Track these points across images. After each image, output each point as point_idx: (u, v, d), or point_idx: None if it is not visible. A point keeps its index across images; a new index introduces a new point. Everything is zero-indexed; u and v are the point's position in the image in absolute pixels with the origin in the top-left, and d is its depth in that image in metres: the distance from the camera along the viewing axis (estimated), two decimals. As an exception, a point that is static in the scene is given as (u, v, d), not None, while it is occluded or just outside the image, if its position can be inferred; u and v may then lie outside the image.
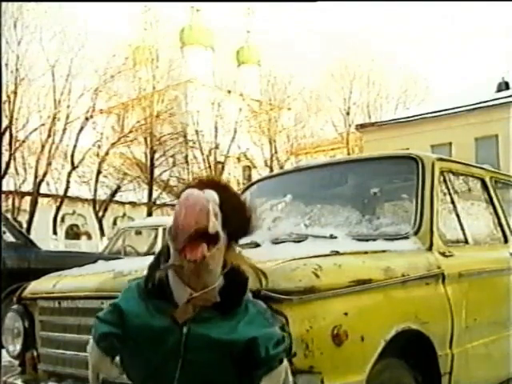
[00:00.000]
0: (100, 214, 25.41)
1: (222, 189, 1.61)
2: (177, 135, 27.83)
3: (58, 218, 25.20)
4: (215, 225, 1.51)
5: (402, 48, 56.20)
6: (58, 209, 24.77)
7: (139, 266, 2.40)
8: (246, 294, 1.64)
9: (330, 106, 31.46)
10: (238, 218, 1.59)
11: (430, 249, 2.81)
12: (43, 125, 23.57)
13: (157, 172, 27.34)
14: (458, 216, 3.18)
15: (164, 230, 8.36)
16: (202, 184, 1.61)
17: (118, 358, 1.69)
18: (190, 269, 1.54)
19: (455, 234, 3.13)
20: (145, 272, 1.68)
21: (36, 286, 2.93)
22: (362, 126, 26.11)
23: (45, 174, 23.57)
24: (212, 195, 1.55)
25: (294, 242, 2.83)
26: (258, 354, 1.57)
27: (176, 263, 1.55)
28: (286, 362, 1.66)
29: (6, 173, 21.66)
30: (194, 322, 1.56)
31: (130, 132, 26.44)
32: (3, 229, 6.28)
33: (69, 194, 24.65)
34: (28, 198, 23.47)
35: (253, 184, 4.21)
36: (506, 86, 21.79)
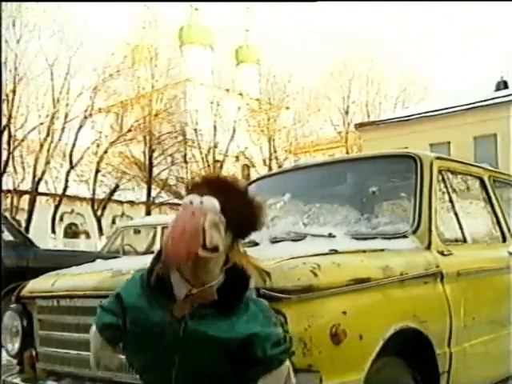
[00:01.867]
0: (99, 212, 25.41)
1: (225, 188, 1.57)
2: (175, 134, 27.83)
3: (57, 217, 25.18)
4: (213, 239, 1.49)
5: (402, 47, 56.21)
6: (57, 208, 24.76)
7: (138, 265, 2.39)
8: (246, 293, 1.62)
9: (328, 105, 31.48)
10: (242, 218, 1.56)
11: (428, 248, 2.81)
12: (42, 124, 23.56)
13: (155, 171, 27.35)
14: (456, 215, 3.18)
15: (163, 228, 8.36)
16: (204, 184, 1.57)
17: (119, 347, 1.69)
18: (187, 267, 1.54)
19: (454, 233, 3.13)
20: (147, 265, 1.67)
21: (34, 285, 2.93)
22: (360, 125, 26.11)
23: (43, 173, 23.57)
24: (211, 203, 1.52)
25: (293, 240, 2.83)
26: (255, 353, 1.56)
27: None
28: (288, 364, 1.63)
29: (4, 171, 21.62)
30: (192, 319, 1.56)
31: (129, 131, 26.44)
32: (2, 228, 6.27)
33: (67, 192, 24.64)
34: (26, 197, 23.46)
35: (251, 183, 4.20)
36: (505, 85, 21.81)
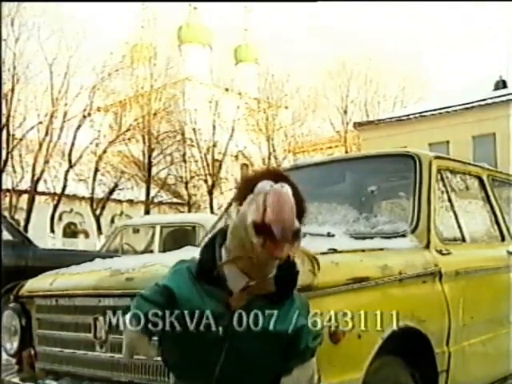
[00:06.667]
0: (97, 212, 25.37)
1: (289, 182, 1.60)
2: (174, 133, 27.79)
3: (56, 216, 25.15)
4: (296, 222, 1.52)
5: (401, 47, 56.20)
6: (56, 207, 24.73)
7: (136, 264, 2.40)
8: (296, 285, 1.65)
9: (327, 105, 31.46)
10: (299, 210, 1.58)
11: (427, 247, 2.81)
12: (41, 123, 23.53)
13: (154, 170, 27.33)
14: (455, 214, 3.19)
15: (162, 228, 8.35)
16: (271, 174, 1.59)
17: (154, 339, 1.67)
18: (260, 261, 1.52)
19: (452, 232, 3.14)
20: (196, 256, 1.66)
21: (33, 284, 2.92)
22: (359, 125, 26.10)
23: (42, 172, 23.53)
24: (288, 189, 1.54)
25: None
26: (298, 345, 1.61)
27: (246, 255, 1.52)
28: (314, 358, 1.69)
29: (3, 171, 21.59)
30: (246, 310, 1.57)
31: (128, 130, 26.39)
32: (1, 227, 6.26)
33: (66, 192, 24.61)
34: (25, 196, 23.42)
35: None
36: (504, 84, 21.81)
